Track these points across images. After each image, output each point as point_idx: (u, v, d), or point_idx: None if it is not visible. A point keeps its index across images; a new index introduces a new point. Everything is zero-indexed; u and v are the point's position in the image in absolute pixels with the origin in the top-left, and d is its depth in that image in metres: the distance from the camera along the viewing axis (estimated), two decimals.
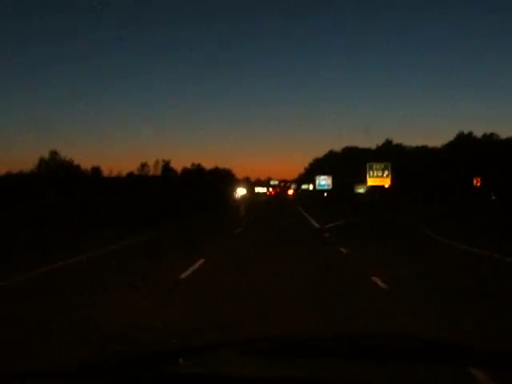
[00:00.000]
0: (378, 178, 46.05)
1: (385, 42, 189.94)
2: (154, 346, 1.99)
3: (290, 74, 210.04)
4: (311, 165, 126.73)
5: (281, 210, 35.03)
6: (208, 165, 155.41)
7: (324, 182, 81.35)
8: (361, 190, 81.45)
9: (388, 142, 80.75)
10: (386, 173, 45.21)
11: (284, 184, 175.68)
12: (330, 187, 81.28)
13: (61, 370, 1.45)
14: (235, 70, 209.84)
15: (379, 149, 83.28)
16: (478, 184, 53.43)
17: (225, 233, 18.70)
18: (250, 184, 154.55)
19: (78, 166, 74.11)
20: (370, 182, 44.87)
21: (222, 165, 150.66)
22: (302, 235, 17.59)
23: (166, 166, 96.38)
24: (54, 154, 70.32)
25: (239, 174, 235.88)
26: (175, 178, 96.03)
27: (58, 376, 1.40)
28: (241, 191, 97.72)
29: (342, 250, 12.74)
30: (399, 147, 78.64)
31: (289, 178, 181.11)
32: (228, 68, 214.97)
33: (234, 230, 19.54)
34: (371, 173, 46.99)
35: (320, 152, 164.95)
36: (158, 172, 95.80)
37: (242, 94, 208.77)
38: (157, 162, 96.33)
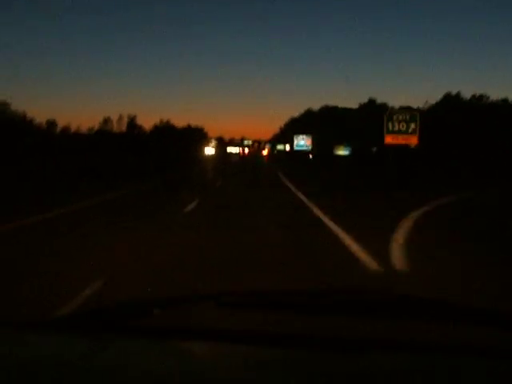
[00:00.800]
0: (401, 135, 17.28)
1: None
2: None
3: (266, 31, 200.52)
4: (287, 125, 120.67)
5: (253, 180, 25.18)
6: (179, 123, 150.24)
7: (303, 141, 74.97)
8: (341, 151, 76.50)
9: (371, 102, 74.98)
10: (413, 127, 18.66)
11: (258, 144, 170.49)
12: (309, 148, 75.39)
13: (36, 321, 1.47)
14: (209, 26, 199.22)
15: (362, 108, 77.78)
16: None
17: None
18: (222, 143, 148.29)
19: (30, 121, 66.51)
20: (389, 139, 17.11)
21: (195, 123, 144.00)
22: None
23: (132, 122, 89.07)
24: (3, 105, 62.26)
25: (212, 133, 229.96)
26: (142, 135, 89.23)
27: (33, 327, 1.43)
28: (208, 151, 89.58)
29: None
30: (384, 107, 73.22)
31: (264, 138, 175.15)
32: (202, 23, 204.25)
33: None
34: (390, 126, 17.42)
35: (297, 111, 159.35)
36: (123, 128, 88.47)
37: (217, 51, 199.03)
38: (120, 117, 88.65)
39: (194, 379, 1.07)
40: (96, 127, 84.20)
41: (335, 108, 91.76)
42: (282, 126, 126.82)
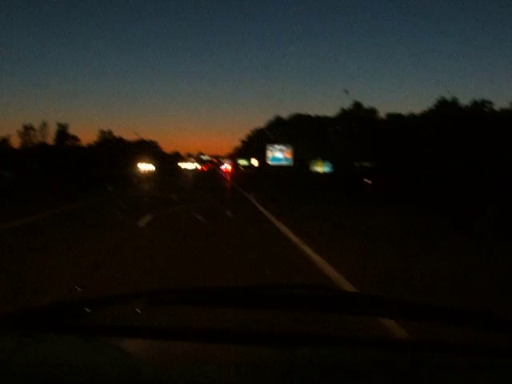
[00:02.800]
0: None
1: None
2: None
3: (226, 33, 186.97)
4: (251, 137, 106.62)
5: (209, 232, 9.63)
6: (131, 136, 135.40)
7: (280, 154, 59.72)
8: (319, 167, 62.85)
9: (357, 105, 61.50)
10: None
11: (217, 159, 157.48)
12: (290, 162, 60.08)
13: None
14: (160, 32, 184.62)
15: (344, 114, 64.40)
16: None
17: None
18: (174, 158, 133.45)
19: None
20: None
21: (150, 137, 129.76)
22: None
23: (62, 132, 72.67)
24: None
25: (168, 148, 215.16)
26: (76, 148, 73.31)
27: None
28: (144, 166, 67.28)
29: None
30: (372, 111, 60.11)
31: (222, 153, 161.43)
32: (152, 29, 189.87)
33: None
34: None
35: (260, 122, 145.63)
36: (49, 138, 71.84)
37: (173, 63, 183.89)
38: (44, 125, 71.78)
39: (124, 376, 1.07)
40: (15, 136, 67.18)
41: (308, 117, 78.65)
42: (245, 138, 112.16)
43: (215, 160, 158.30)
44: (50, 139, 71.46)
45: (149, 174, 54.61)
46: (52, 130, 72.28)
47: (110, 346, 1.30)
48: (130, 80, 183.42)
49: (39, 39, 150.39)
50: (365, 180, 34.31)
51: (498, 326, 1.32)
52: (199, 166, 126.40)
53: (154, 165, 69.56)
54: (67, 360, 1.15)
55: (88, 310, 1.38)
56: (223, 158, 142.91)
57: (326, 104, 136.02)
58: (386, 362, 1.17)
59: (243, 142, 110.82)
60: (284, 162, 59.05)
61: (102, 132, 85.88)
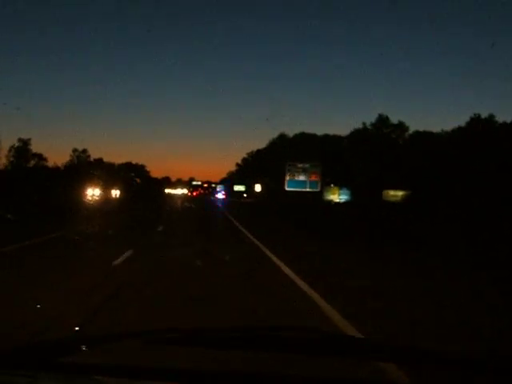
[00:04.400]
0: None
1: None
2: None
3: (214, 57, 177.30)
4: (246, 160, 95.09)
5: None
6: (118, 160, 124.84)
7: (303, 176, 44.15)
8: (334, 196, 51.22)
9: (382, 119, 49.89)
10: None
11: (209, 185, 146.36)
12: (316, 188, 46.27)
13: None
14: (147, 48, 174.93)
15: (360, 132, 53.07)
16: None
17: None
18: (159, 183, 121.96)
19: None
20: None
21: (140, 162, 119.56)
22: None
23: (23, 150, 60.53)
24: None
25: (158, 173, 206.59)
26: (43, 170, 61.56)
27: None
28: (93, 192, 47.67)
29: None
30: (402, 127, 48.85)
31: (215, 179, 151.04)
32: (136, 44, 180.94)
33: None
34: None
35: (255, 146, 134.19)
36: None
37: (163, 86, 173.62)
38: None
39: None
40: None
41: (313, 136, 67.46)
42: (240, 162, 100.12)
43: (206, 185, 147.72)
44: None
45: (103, 203, 40.91)
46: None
47: None
48: (125, 103, 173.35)
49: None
50: None
51: (497, 372, 1.31)
52: (186, 191, 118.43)
53: (122, 190, 56.39)
54: None
55: (84, 348, 1.38)
56: (216, 183, 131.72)
57: (334, 123, 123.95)
58: None
59: (239, 165, 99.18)
60: (308, 188, 45.34)
61: (75, 151, 73.84)
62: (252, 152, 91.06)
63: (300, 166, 44.16)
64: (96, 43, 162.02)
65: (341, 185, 50.13)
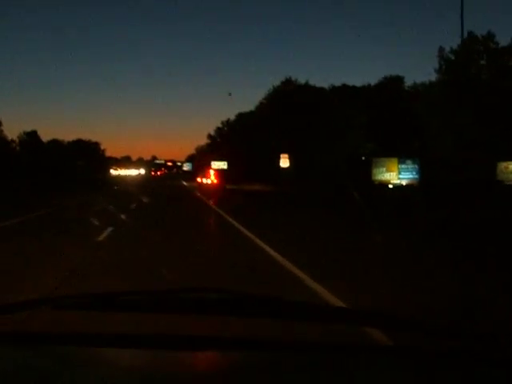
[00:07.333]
0: None
1: None
2: None
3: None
4: (219, 130, 73.06)
5: None
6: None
7: None
8: (392, 176, 29.99)
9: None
10: None
11: (173, 164, 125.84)
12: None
13: None
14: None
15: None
16: None
17: None
18: (111, 163, 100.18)
19: None
20: None
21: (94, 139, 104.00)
22: None
23: None
24: None
25: (117, 152, 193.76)
26: None
27: None
28: None
29: None
30: None
31: (181, 158, 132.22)
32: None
33: None
34: None
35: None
36: None
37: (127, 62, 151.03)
38: None
39: (26, 381, 1.07)
40: None
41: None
42: (212, 133, 77.29)
43: (170, 164, 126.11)
44: None
45: None
46: None
47: (10, 353, 1.27)
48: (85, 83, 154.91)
49: None
50: None
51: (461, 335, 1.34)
52: (143, 172, 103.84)
53: None
54: None
55: None
56: (182, 162, 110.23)
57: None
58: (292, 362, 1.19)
59: (211, 137, 77.02)
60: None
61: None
62: (228, 119, 69.17)
63: None
64: (46, 18, 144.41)
65: (400, 155, 29.01)
